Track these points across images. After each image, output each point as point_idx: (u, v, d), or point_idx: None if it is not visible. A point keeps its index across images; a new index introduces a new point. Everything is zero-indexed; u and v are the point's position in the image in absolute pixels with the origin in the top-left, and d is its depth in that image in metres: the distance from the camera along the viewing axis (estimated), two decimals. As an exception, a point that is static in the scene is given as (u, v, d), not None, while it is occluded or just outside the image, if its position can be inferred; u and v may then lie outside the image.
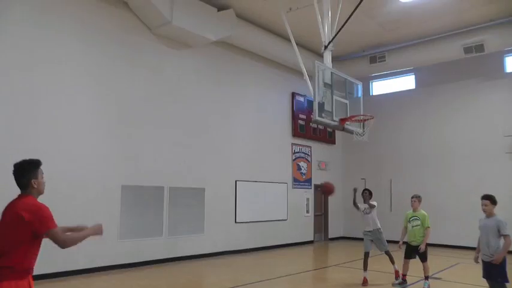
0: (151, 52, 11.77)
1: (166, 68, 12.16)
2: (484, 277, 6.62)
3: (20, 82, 9.18)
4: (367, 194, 9.47)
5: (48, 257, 9.01)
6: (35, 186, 3.64)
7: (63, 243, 3.57)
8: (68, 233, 3.78)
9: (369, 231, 9.31)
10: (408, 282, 8.85)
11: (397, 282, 8.80)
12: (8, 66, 9.03)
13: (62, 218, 9.31)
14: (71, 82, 10.04)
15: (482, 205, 6.59)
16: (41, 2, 9.66)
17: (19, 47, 9.23)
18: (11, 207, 3.55)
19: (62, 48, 9.96)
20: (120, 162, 10.83)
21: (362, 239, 9.57)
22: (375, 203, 9.34)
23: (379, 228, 9.31)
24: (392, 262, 9.29)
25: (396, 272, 9.23)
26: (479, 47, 13.89)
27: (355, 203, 9.46)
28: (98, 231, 4.08)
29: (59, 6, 9.94)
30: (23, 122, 9.15)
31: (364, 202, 9.44)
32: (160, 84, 11.92)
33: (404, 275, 8.77)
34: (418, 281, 8.89)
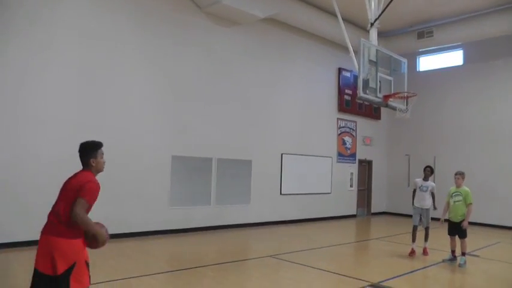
0: (201, 30, 12.22)
1: (216, 45, 12.59)
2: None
3: (79, 62, 9.89)
4: (429, 171, 9.84)
5: (105, 220, 9.85)
6: (94, 164, 4.14)
7: (76, 216, 3.78)
8: (87, 217, 3.90)
9: (419, 207, 9.72)
10: (445, 258, 9.13)
11: (447, 258, 9.04)
12: (67, 45, 9.73)
13: (117, 185, 10.16)
14: (125, 60, 10.67)
15: None
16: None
17: (75, 26, 9.88)
18: (72, 178, 4.09)
19: (116, 27, 10.58)
20: (171, 135, 11.47)
21: (404, 215, 9.96)
22: (431, 183, 9.79)
23: (428, 209, 9.68)
24: (426, 239, 9.74)
25: (425, 249, 9.69)
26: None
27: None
28: (103, 239, 4.09)
29: (114, -13, 10.52)
30: (85, 99, 9.87)
31: (424, 179, 9.81)
32: (209, 61, 12.38)
33: (453, 251, 9.00)
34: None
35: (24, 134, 8.95)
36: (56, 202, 4.01)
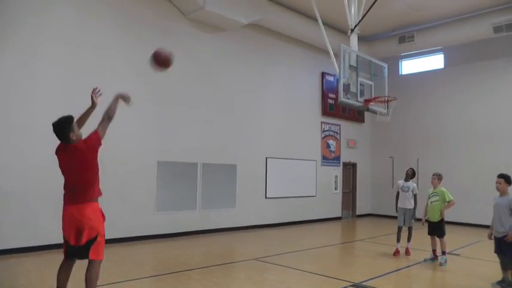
0: (185, 36, 12.35)
1: (199, 51, 12.72)
2: (495, 252, 7.09)
3: (63, 66, 9.96)
4: (410, 172, 10.12)
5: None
6: (74, 138, 4.34)
7: (108, 118, 4.61)
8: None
9: (403, 208, 9.97)
10: (426, 257, 9.35)
11: (429, 257, 9.26)
12: (53, 53, 9.80)
13: (103, 191, 10.18)
14: (110, 67, 10.76)
15: (496, 183, 7.02)
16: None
17: (61, 33, 9.96)
18: (64, 151, 4.41)
19: (101, 34, 10.67)
20: (156, 140, 11.56)
21: (388, 217, 10.19)
22: (412, 184, 9.99)
23: (411, 209, 9.92)
24: (409, 240, 9.97)
25: (407, 249, 9.92)
26: (509, 26, 13.76)
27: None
28: (123, 96, 4.91)
29: (99, -6, 10.62)
30: (72, 105, 9.90)
31: (405, 180, 10.07)
32: (193, 66, 12.51)
33: (434, 251, 9.23)
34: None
35: (12, 140, 9.01)
36: (69, 174, 4.38)
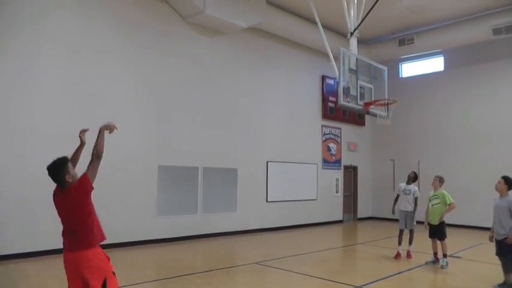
0: (185, 40, 12.38)
1: (200, 55, 12.74)
2: (496, 254, 7.07)
3: (66, 74, 9.99)
4: (412, 176, 10.11)
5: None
6: (70, 180, 4.12)
7: (97, 157, 4.26)
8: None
9: (404, 211, 9.93)
10: (428, 260, 9.32)
11: (430, 260, 9.24)
12: (53, 57, 9.83)
13: (104, 196, 10.25)
14: (110, 71, 10.79)
15: (497, 182, 7.03)
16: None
17: (61, 38, 10.00)
18: (60, 195, 4.16)
19: (102, 39, 10.70)
20: (157, 144, 11.57)
21: (390, 220, 10.15)
22: (413, 187, 9.98)
23: (412, 211, 9.88)
24: (410, 243, 9.94)
25: (408, 252, 9.88)
26: (509, 28, 13.79)
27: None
28: (108, 126, 4.46)
29: (98, 1, 10.65)
30: (70, 110, 9.95)
31: (407, 183, 10.08)
32: (194, 70, 12.53)
33: (435, 253, 9.19)
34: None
35: (13, 144, 9.03)
36: (66, 219, 4.15)
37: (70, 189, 4.11)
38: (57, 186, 4.23)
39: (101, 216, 10.25)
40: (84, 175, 4.15)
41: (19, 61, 9.27)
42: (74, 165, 4.44)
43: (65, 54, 10.00)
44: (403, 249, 9.92)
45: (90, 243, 4.09)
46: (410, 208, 9.88)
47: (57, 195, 4.22)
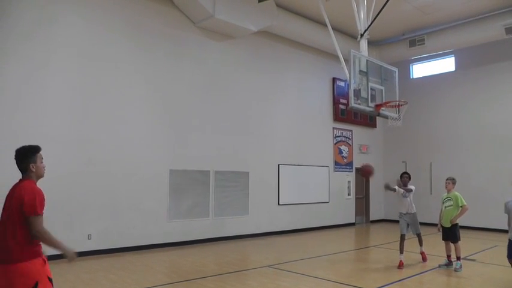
0: (195, 45, 12.44)
1: (210, 59, 12.79)
2: (508, 257, 6.94)
3: (76, 80, 10.09)
4: (407, 177, 9.67)
5: (105, 235, 10.02)
6: (33, 170, 3.93)
7: (38, 232, 3.68)
8: (49, 232, 3.79)
9: (405, 214, 9.51)
10: (441, 263, 9.23)
11: (443, 263, 9.11)
12: (63, 63, 9.94)
13: (116, 199, 10.32)
14: (121, 76, 10.88)
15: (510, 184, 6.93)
16: (90, 2, 10.47)
17: (72, 45, 10.11)
18: (13, 192, 3.85)
19: (111, 44, 10.80)
20: (168, 149, 11.63)
21: (402, 222, 9.75)
22: (412, 187, 9.48)
23: (415, 213, 9.54)
24: (421, 244, 9.65)
25: (422, 254, 9.65)
26: (521, 28, 13.69)
27: (388, 187, 9.64)
28: (71, 255, 3.93)
29: (108, 7, 10.76)
30: (81, 116, 10.03)
31: (404, 185, 9.62)
32: (204, 75, 12.58)
33: (448, 256, 9.06)
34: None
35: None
36: (1, 225, 3.77)
37: (22, 189, 3.78)
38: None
39: (114, 220, 10.43)
40: (37, 212, 3.76)
41: (28, 68, 9.37)
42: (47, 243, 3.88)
43: (74, 61, 10.10)
44: (405, 257, 9.43)
45: (28, 255, 3.73)
46: (412, 210, 9.47)
47: (11, 193, 3.89)
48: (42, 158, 4.06)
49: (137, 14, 11.24)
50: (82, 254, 9.22)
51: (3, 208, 3.83)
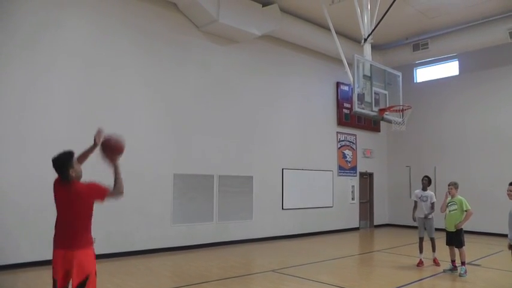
0: (199, 49, 12.47)
1: (214, 63, 12.82)
2: (513, 262, 6.89)
3: (81, 84, 10.13)
4: (427, 181, 10.08)
5: (108, 239, 10.01)
6: (73, 174, 4.18)
7: (121, 191, 4.34)
8: (112, 187, 4.33)
9: (423, 218, 9.84)
10: (445, 268, 9.19)
11: (448, 268, 9.11)
12: (67, 68, 9.98)
13: (120, 203, 10.28)
14: (125, 81, 10.91)
15: (507, 190, 6.90)
16: (95, 7, 10.52)
17: (76, 49, 10.15)
18: (65, 189, 4.20)
19: (117, 51, 10.83)
20: (172, 153, 11.64)
21: (407, 226, 10.02)
22: (429, 192, 9.95)
23: (432, 218, 9.83)
24: (433, 250, 9.77)
25: (434, 260, 9.74)
26: (526, 32, 13.64)
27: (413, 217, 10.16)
28: (98, 133, 4.69)
29: (112, 12, 10.80)
30: (85, 120, 10.06)
31: (423, 189, 10.01)
32: (208, 79, 12.61)
33: (453, 261, 9.05)
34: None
35: (28, 155, 9.12)
36: (65, 214, 4.20)
37: (79, 187, 4.18)
38: (58, 177, 4.28)
39: (118, 224, 10.43)
40: (106, 189, 4.25)
41: (33, 71, 9.40)
42: (81, 162, 4.52)
43: (79, 66, 10.13)
44: (424, 257, 9.76)
45: (85, 244, 4.13)
46: (429, 215, 9.78)
47: (58, 187, 4.26)
48: (77, 161, 4.37)
49: (141, 18, 11.28)
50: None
51: (58, 203, 4.26)
